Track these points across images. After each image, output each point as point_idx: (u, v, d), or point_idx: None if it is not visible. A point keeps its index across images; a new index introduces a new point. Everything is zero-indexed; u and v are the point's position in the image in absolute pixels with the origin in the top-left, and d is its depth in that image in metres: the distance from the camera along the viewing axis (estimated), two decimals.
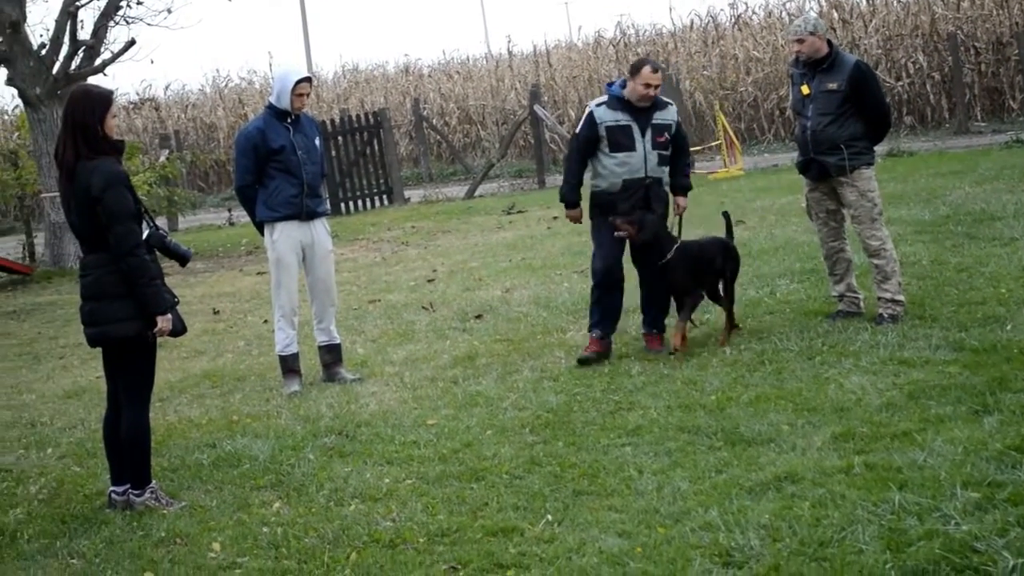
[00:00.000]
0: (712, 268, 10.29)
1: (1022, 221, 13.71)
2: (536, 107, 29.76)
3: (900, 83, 32.94)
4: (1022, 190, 16.29)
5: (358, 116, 29.75)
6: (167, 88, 48.46)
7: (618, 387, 9.20)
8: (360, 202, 28.35)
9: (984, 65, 32.51)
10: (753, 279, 12.57)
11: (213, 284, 18.35)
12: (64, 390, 11.50)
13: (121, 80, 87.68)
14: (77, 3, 23.22)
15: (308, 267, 10.47)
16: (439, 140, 38.19)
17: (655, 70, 10.08)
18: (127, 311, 7.34)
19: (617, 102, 10.13)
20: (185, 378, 11.37)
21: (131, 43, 23.58)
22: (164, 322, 7.38)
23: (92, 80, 21.86)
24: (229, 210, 30.68)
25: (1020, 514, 5.83)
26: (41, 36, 23.62)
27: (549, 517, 6.67)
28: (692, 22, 40.28)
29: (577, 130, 10.31)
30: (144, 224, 7.49)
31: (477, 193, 28.50)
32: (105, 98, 7.42)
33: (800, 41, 10.27)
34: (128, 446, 7.53)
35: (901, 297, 10.21)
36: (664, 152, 10.19)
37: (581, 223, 10.46)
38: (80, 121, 7.31)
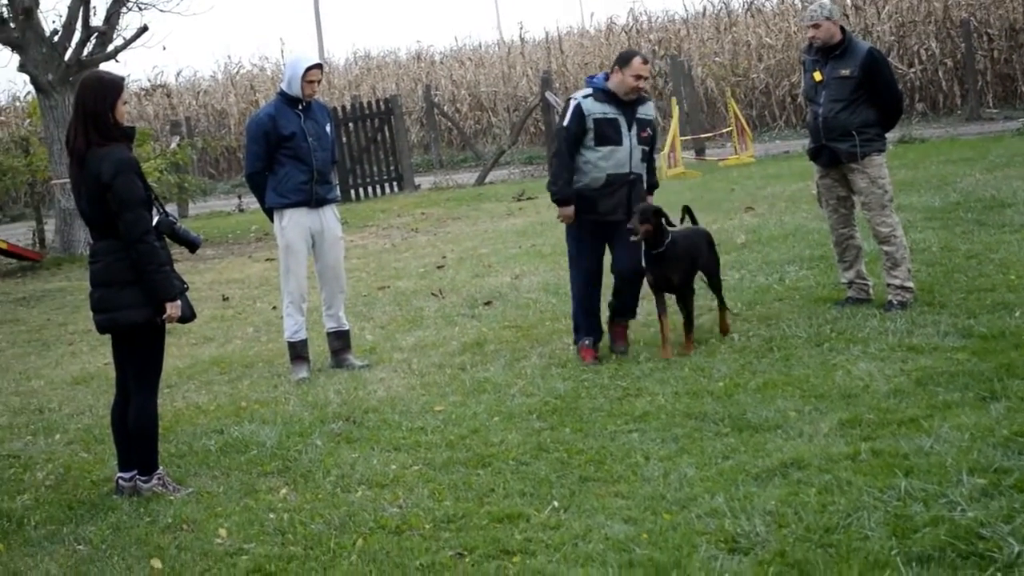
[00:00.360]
0: (699, 260, 9.99)
1: None
2: (547, 94, 29.69)
3: (912, 70, 32.88)
4: None
5: (369, 103, 29.74)
6: (178, 74, 48.65)
7: (625, 373, 9.20)
8: (370, 188, 28.35)
9: (997, 52, 32.43)
10: (763, 266, 12.57)
11: (222, 270, 18.38)
12: (72, 376, 11.52)
13: (133, 66, 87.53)
14: None
15: (317, 253, 10.47)
16: (450, 127, 38.19)
17: (645, 61, 9.79)
18: (136, 298, 7.34)
19: (603, 94, 9.77)
20: (193, 364, 11.38)
21: (143, 29, 23.62)
22: (173, 308, 7.38)
23: (104, 66, 21.86)
24: (239, 197, 30.71)
25: None
26: (54, 22, 23.81)
27: (555, 503, 6.66)
28: (704, 8, 40.39)
29: (565, 124, 9.81)
30: (154, 211, 7.49)
31: (488, 180, 28.50)
32: (116, 85, 7.41)
33: (816, 26, 10.23)
34: (136, 432, 7.54)
35: (910, 284, 10.19)
36: (646, 148, 9.92)
37: (575, 222, 9.92)
38: (91, 108, 7.31)
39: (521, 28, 74.52)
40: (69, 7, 23.32)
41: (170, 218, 7.62)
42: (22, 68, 22.81)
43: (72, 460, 8.55)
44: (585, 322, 9.96)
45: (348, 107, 29.57)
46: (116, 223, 7.30)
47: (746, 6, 38.72)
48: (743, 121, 26.85)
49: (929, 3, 33.87)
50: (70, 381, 11.33)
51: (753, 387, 8.38)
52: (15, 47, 22.83)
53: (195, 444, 8.56)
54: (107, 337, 7.80)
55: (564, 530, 6.28)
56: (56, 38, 23.02)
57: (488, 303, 12.66)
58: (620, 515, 6.38)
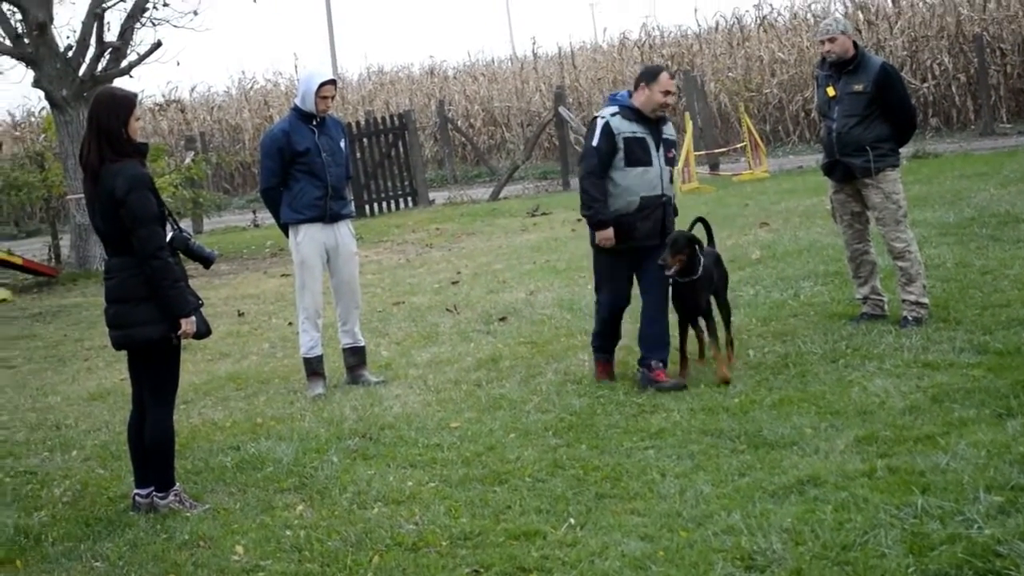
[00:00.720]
0: (714, 279, 9.71)
1: None
2: (561, 109, 29.78)
3: (925, 85, 32.84)
4: None
5: (383, 118, 29.78)
6: (192, 90, 48.67)
7: (641, 390, 9.19)
8: (385, 204, 28.37)
9: (1010, 67, 32.40)
10: (777, 281, 12.56)
11: (237, 286, 18.41)
12: (89, 392, 11.55)
13: (147, 82, 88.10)
14: (104, 5, 23.34)
15: (332, 269, 10.49)
16: (464, 142, 38.26)
17: (672, 76, 9.55)
18: (151, 314, 7.36)
19: (631, 112, 9.42)
20: (209, 380, 11.40)
21: (157, 45, 23.67)
22: (188, 324, 7.39)
23: (118, 82, 21.94)
24: (254, 212, 30.77)
25: None
26: (68, 38, 23.75)
27: (572, 520, 6.66)
28: (717, 23, 40.30)
29: (595, 143, 9.37)
30: (168, 226, 7.51)
31: (502, 195, 28.53)
32: (129, 101, 7.44)
33: (832, 40, 10.23)
34: (152, 448, 7.55)
35: (925, 300, 10.18)
36: (671, 169, 9.62)
37: (616, 243, 9.42)
38: (104, 124, 7.33)
39: (534, 43, 74.83)
40: (83, 23, 23.40)
41: (184, 234, 7.64)
42: (36, 84, 22.87)
43: (89, 476, 8.56)
44: (602, 341, 9.74)
45: (362, 122, 29.60)
46: (130, 239, 7.33)
47: (758, 21, 38.73)
48: (757, 136, 26.83)
49: (942, 18, 33.85)
50: (87, 397, 11.36)
51: (769, 404, 8.38)
52: (30, 63, 22.90)
53: (211, 461, 8.57)
54: (123, 353, 7.82)
55: (581, 547, 6.28)
56: (70, 54, 23.09)
57: (503, 319, 12.66)
58: (636, 532, 6.38)
